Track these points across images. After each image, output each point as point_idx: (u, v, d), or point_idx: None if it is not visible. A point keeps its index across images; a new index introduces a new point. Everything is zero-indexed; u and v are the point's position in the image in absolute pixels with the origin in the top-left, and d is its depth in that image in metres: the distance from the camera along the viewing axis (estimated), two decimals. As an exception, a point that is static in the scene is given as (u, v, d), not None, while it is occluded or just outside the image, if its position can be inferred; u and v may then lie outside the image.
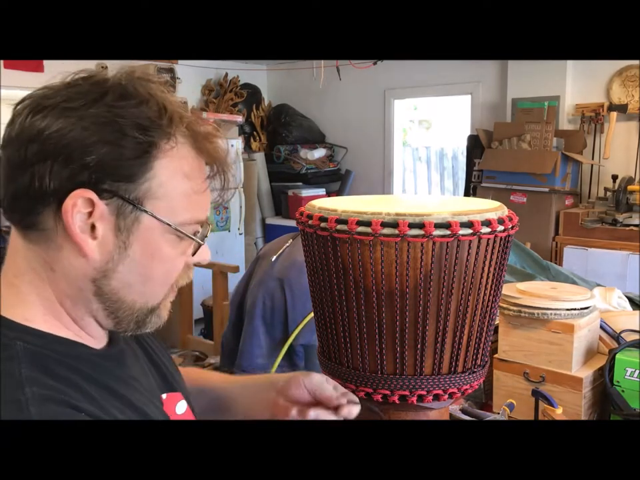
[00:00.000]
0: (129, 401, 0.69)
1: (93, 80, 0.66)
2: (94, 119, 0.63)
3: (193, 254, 0.73)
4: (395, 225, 0.79)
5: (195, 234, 0.71)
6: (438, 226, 0.78)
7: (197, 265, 0.76)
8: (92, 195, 0.63)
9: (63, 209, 0.63)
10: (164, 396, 0.80)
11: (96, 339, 0.72)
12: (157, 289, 0.71)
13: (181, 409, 0.82)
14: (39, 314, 0.67)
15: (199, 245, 0.73)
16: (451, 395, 0.86)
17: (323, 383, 0.88)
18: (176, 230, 0.69)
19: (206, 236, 0.74)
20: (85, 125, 0.62)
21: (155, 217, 0.66)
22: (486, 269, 0.84)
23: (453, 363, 0.86)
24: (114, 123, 0.63)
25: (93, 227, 0.65)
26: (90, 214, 0.64)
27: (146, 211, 0.66)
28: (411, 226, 0.78)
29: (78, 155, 0.62)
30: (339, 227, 0.82)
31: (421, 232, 0.78)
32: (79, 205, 0.63)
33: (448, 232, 0.78)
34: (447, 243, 0.78)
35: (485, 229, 0.80)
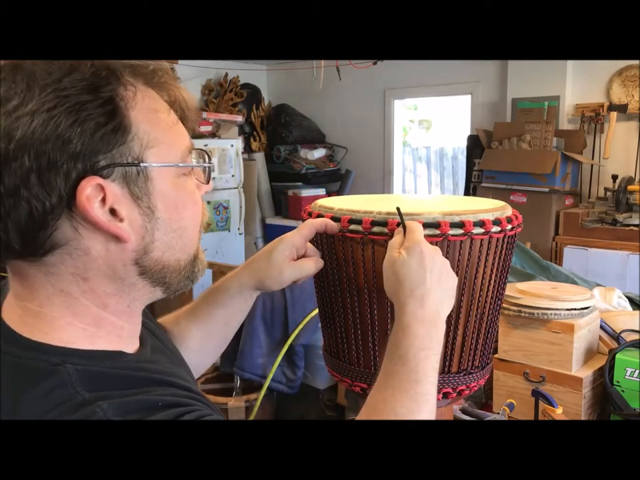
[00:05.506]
0: (192, 389, 0.65)
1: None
2: (45, 108, 0.55)
3: (207, 181, 0.69)
4: (384, 223, 0.79)
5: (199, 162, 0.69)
6: (427, 225, 0.78)
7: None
8: (96, 179, 0.57)
9: (79, 210, 0.57)
10: None
11: (135, 337, 0.68)
12: (193, 235, 0.68)
13: None
14: (77, 332, 0.62)
15: (209, 169, 0.69)
16: (445, 395, 0.86)
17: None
18: (184, 167, 0.64)
19: (209, 157, 0.71)
20: (43, 119, 0.55)
21: (162, 165, 0.62)
22: (480, 270, 0.83)
23: (447, 363, 0.86)
24: (64, 99, 0.56)
25: (112, 211, 0.59)
26: (103, 199, 0.58)
27: (151, 165, 0.61)
28: (400, 225, 0.78)
29: (58, 150, 0.55)
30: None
31: None
32: (91, 195, 0.57)
33: (437, 232, 0.78)
34: (437, 242, 0.78)
35: (478, 230, 0.80)
